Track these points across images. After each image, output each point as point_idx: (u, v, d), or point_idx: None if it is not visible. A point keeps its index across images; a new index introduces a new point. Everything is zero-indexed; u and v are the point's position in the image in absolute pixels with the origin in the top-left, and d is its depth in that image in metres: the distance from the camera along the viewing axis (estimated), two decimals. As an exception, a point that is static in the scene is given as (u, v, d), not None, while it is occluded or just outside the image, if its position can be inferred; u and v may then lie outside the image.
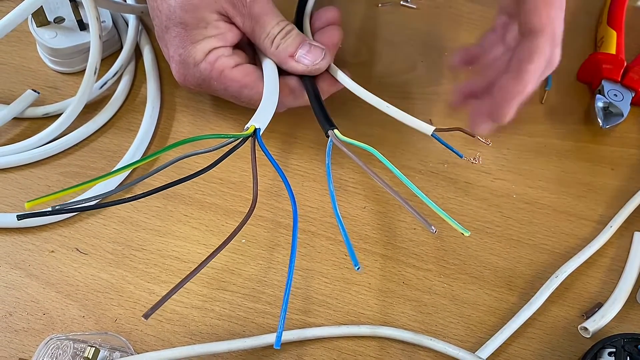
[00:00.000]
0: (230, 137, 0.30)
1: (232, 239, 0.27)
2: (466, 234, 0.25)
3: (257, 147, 0.31)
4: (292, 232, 0.27)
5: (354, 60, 0.45)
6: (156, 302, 0.23)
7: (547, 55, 0.31)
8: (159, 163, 0.37)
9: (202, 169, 0.29)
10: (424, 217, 0.25)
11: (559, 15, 0.31)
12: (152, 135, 0.39)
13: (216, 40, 0.35)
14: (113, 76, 0.40)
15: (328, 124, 0.33)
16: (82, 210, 0.32)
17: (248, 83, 0.35)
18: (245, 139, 0.30)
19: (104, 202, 0.32)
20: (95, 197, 0.28)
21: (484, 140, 0.32)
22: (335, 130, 0.32)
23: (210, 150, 0.30)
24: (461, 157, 0.31)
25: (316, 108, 0.34)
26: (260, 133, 0.31)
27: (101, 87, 0.39)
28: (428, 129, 0.32)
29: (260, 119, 0.31)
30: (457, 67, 0.38)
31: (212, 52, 0.34)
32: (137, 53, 0.42)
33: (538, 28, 0.31)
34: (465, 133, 0.32)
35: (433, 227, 0.25)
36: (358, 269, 0.24)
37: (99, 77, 0.39)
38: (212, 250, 0.35)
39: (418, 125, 0.33)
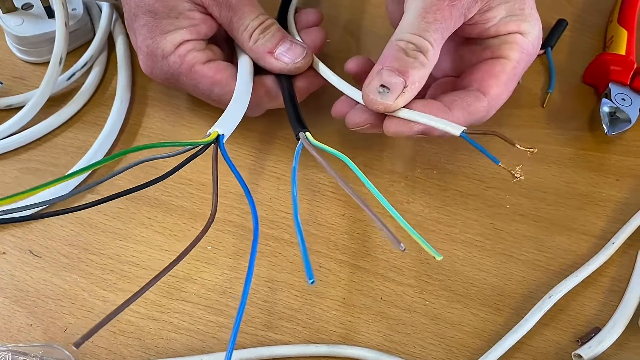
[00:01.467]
0: (189, 145, 0.27)
1: (183, 259, 0.24)
2: (438, 258, 0.23)
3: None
4: (252, 244, 0.25)
5: (340, 55, 0.41)
6: (90, 329, 0.20)
7: (482, 115, 0.31)
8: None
9: (155, 179, 0.26)
10: (392, 233, 0.23)
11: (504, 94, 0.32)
12: (120, 131, 0.36)
13: (188, 32, 0.32)
14: (82, 67, 0.37)
15: (299, 125, 0.30)
16: (10, 222, 0.29)
17: (220, 80, 0.32)
18: (207, 146, 0.27)
19: (36, 214, 0.29)
20: (37, 204, 0.26)
21: (527, 148, 0.26)
22: (307, 133, 0.30)
23: (171, 156, 0.28)
24: (497, 163, 0.26)
25: (289, 107, 0.31)
26: (224, 140, 0.28)
27: (69, 78, 0.37)
28: (456, 129, 0.28)
29: (225, 124, 0.28)
30: (349, 72, 0.33)
31: (182, 44, 0.32)
32: (111, 43, 0.40)
33: (487, 93, 0.31)
34: (504, 139, 0.27)
35: (402, 245, 0.22)
36: (312, 282, 0.21)
37: (68, 67, 0.37)
38: (175, 256, 0.32)
39: (442, 125, 0.28)
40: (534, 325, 0.31)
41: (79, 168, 0.33)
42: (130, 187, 0.26)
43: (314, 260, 0.33)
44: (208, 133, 0.28)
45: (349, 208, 0.35)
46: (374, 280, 0.32)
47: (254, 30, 0.32)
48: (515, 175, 0.27)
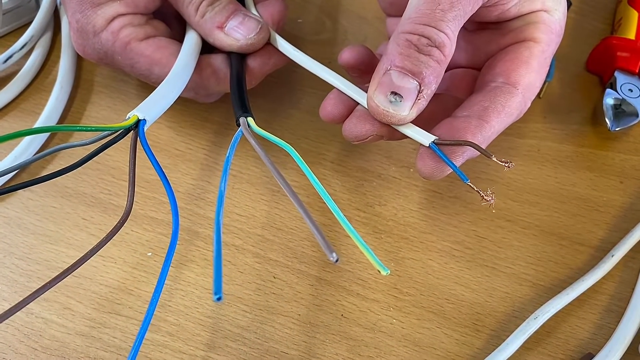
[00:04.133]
0: (106, 130, 0.23)
1: (87, 260, 0.20)
2: (384, 273, 0.19)
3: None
4: (169, 246, 0.21)
5: (315, 37, 0.38)
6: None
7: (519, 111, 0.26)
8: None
9: (65, 168, 0.22)
10: (326, 240, 0.19)
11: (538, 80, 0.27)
12: (60, 120, 0.33)
13: (123, 4, 0.28)
14: (21, 48, 0.34)
15: (242, 109, 0.26)
16: None
17: (159, 60, 0.28)
18: (127, 131, 0.24)
19: None
20: None
21: (504, 163, 0.23)
22: (249, 119, 0.25)
23: (90, 143, 0.24)
24: (466, 181, 0.23)
25: (233, 88, 0.27)
26: (146, 127, 0.24)
27: (5, 61, 0.33)
28: (426, 137, 0.24)
29: (149, 108, 0.24)
30: (345, 64, 0.28)
31: (116, 19, 0.28)
32: (57, 22, 0.36)
33: (517, 83, 0.26)
34: (480, 151, 0.23)
35: (334, 254, 0.18)
36: (218, 299, 0.17)
37: (6, 48, 0.33)
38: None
39: (412, 133, 0.24)
40: (517, 350, 0.27)
41: (7, 162, 0.30)
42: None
43: (267, 270, 0.29)
44: (127, 117, 0.24)
45: (312, 210, 0.31)
46: (335, 294, 0.28)
47: (202, 2, 0.28)
48: (485, 197, 0.23)
